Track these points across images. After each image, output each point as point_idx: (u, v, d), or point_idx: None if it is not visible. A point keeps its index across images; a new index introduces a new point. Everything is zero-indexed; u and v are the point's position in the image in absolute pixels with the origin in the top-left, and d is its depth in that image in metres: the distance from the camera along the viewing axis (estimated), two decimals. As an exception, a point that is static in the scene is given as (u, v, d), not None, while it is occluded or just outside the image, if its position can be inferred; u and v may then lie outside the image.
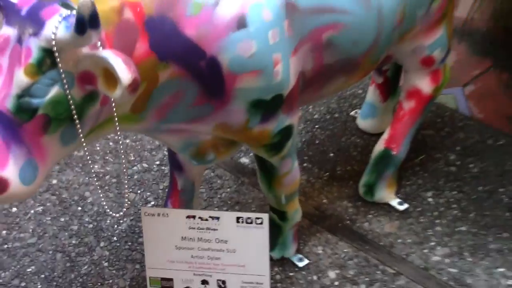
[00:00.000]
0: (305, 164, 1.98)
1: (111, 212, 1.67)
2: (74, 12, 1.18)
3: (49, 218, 1.89)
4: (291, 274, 1.72)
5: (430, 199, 1.87)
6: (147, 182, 1.96)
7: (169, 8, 1.36)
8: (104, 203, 1.82)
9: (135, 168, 2.01)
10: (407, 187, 1.90)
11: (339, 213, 1.85)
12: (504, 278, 1.67)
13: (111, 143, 2.06)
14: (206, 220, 1.60)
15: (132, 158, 2.04)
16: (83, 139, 1.33)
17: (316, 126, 2.08)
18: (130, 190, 1.94)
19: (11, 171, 1.27)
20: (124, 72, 1.21)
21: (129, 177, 1.98)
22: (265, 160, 1.60)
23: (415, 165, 1.95)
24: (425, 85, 1.79)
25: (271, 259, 1.71)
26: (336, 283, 1.69)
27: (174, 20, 1.35)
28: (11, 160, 1.26)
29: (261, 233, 1.58)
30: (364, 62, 1.59)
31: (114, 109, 1.34)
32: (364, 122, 2.06)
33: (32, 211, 1.91)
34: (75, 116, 1.29)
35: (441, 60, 1.77)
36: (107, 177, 1.99)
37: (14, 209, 1.92)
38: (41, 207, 1.92)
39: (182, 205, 1.73)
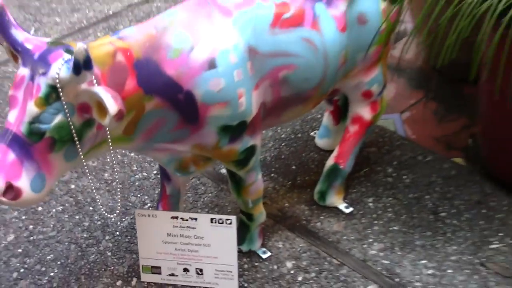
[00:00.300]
0: (272, 175, 1.96)
1: (115, 212, 1.68)
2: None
3: (67, 216, 1.88)
4: (256, 264, 1.71)
5: (370, 204, 1.85)
6: (146, 188, 1.95)
7: (153, 53, 1.36)
8: (111, 204, 1.85)
9: (136, 176, 2.00)
10: (352, 194, 1.88)
11: (297, 215, 1.83)
12: (425, 268, 1.66)
13: (119, 156, 2.05)
14: (187, 220, 1.60)
15: (135, 168, 2.02)
16: (82, 157, 1.33)
17: (283, 144, 2.06)
18: (132, 194, 1.93)
19: (24, 182, 1.27)
20: (112, 105, 1.21)
21: (131, 183, 1.97)
22: (235, 172, 1.59)
23: (360, 176, 1.93)
24: (366, 113, 1.78)
25: (241, 251, 1.72)
26: (292, 271, 1.68)
27: (157, 62, 1.35)
28: (24, 173, 1.27)
29: (230, 231, 1.58)
30: (314, 94, 1.59)
31: (108, 132, 1.34)
32: (320, 141, 2.04)
33: (54, 210, 1.90)
34: (76, 138, 1.29)
35: (378, 93, 1.76)
36: (114, 183, 1.97)
37: (40, 208, 1.91)
38: (61, 207, 1.91)
39: (170, 208, 1.72)
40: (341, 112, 1.94)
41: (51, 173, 1.31)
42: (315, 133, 2.08)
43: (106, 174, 2.00)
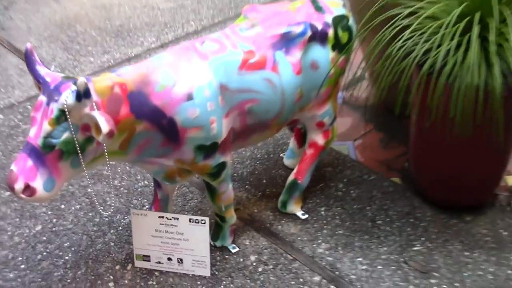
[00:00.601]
0: (246, 186, 1.98)
1: (121, 211, 1.69)
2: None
3: (82, 213, 1.91)
4: (226, 256, 1.73)
5: (322, 212, 1.86)
6: (146, 193, 1.97)
7: (144, 87, 1.40)
8: (118, 205, 1.88)
9: (139, 184, 2.02)
10: (309, 204, 1.89)
11: (263, 219, 1.85)
12: (360, 265, 1.68)
13: (127, 167, 2.08)
14: (170, 219, 1.62)
15: (139, 177, 2.04)
16: (84, 166, 1.37)
17: (257, 162, 2.08)
18: (135, 198, 1.95)
19: (38, 183, 1.32)
20: (104, 125, 1.26)
21: (135, 189, 1.99)
22: (209, 183, 1.62)
23: (316, 190, 1.94)
24: (319, 139, 1.79)
25: (215, 246, 1.74)
26: (254, 263, 1.70)
27: (147, 94, 1.39)
28: (38, 176, 1.32)
29: (204, 229, 1.61)
30: (274, 123, 1.61)
31: (105, 147, 1.38)
32: (287, 161, 2.05)
33: (73, 208, 1.93)
34: (79, 151, 1.32)
35: (330, 124, 1.78)
36: (121, 189, 2.00)
37: (62, 206, 1.94)
38: (79, 206, 1.94)
39: (160, 209, 1.73)
40: (303, 138, 1.96)
41: (60, 177, 1.35)
42: (283, 154, 2.09)
43: (116, 181, 2.02)
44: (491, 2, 1.43)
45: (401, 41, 1.48)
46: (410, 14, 1.57)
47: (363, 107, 2.27)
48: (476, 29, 1.45)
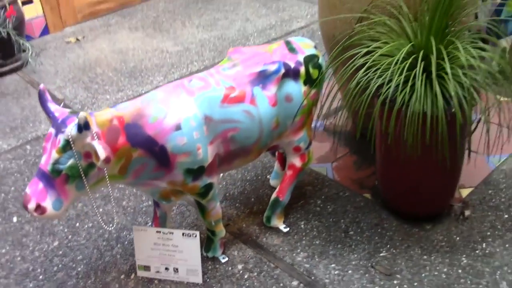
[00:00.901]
0: (237, 204, 2.02)
1: (127, 228, 1.74)
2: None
3: (94, 230, 1.97)
4: (217, 266, 1.76)
5: (302, 226, 1.89)
6: (149, 212, 2.02)
7: (138, 119, 1.46)
8: (124, 222, 1.94)
9: (144, 204, 2.07)
10: (290, 218, 1.93)
11: (250, 233, 1.89)
12: (334, 270, 1.71)
13: (134, 190, 2.14)
14: (166, 234, 1.67)
15: (144, 199, 2.09)
16: (88, 189, 1.43)
17: (247, 183, 2.13)
18: (139, 216, 2.01)
19: (48, 203, 1.38)
20: (102, 153, 1.32)
21: (140, 209, 2.04)
22: (200, 202, 1.67)
23: (297, 206, 1.98)
24: (297, 162, 1.84)
25: (207, 257, 1.77)
26: (241, 271, 1.74)
27: (141, 125, 1.45)
28: (48, 197, 1.38)
29: (195, 242, 1.66)
30: (254, 149, 1.67)
31: (106, 172, 1.44)
32: (272, 181, 2.10)
33: (86, 226, 1.99)
34: (83, 175, 1.39)
35: (306, 148, 1.82)
36: (128, 208, 2.05)
37: (77, 224, 2.00)
38: (91, 224, 2.00)
39: (160, 226, 1.78)
40: (284, 161, 2.00)
41: (67, 198, 1.41)
42: (270, 176, 2.14)
43: (124, 202, 2.08)
44: (431, 42, 1.50)
45: (357, 77, 1.54)
46: (369, 53, 1.64)
47: (340, 133, 2.30)
48: (422, 65, 1.52)
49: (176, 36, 3.56)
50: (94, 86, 3.03)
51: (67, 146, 1.37)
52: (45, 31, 3.79)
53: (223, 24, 3.68)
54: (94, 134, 1.38)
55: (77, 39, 3.66)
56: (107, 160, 1.34)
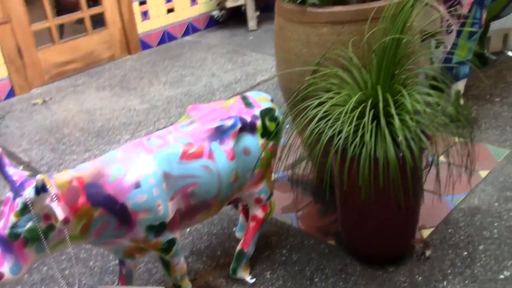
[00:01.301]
0: (203, 258, 2.04)
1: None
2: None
3: (99, 271, 1.96)
4: None
5: (268, 276, 1.92)
6: (116, 271, 2.01)
7: (98, 179, 1.49)
8: (91, 283, 1.92)
9: (111, 263, 2.05)
10: (256, 269, 1.95)
11: (218, 285, 1.90)
12: (300, 320, 1.73)
13: (101, 250, 2.14)
14: (131, 291, 1.68)
15: (111, 258, 2.08)
16: (49, 251, 1.44)
17: (213, 237, 2.15)
18: (106, 276, 1.99)
19: (5, 268, 1.38)
20: (60, 214, 1.35)
21: (107, 268, 2.04)
22: (163, 257, 1.69)
23: (263, 256, 2.01)
24: (259, 213, 1.88)
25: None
26: None
27: (101, 185, 1.49)
28: (5, 262, 1.39)
29: (160, 298, 1.67)
30: (215, 203, 1.71)
31: (67, 233, 1.46)
32: (238, 234, 2.13)
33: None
34: (43, 237, 1.40)
35: (267, 199, 1.87)
36: (95, 268, 2.04)
37: (48, 281, 2.00)
38: (56, 287, 1.99)
39: (126, 284, 1.78)
40: (248, 213, 2.04)
41: (26, 262, 1.42)
42: (235, 229, 2.16)
43: (91, 262, 2.09)
44: (378, 91, 1.59)
45: (310, 128, 1.62)
46: (322, 103, 1.72)
47: (304, 182, 2.35)
48: (371, 113, 1.60)
49: (143, 94, 3.64)
50: (61, 147, 3.06)
51: (25, 209, 1.39)
52: (11, 93, 3.83)
53: (189, 80, 3.78)
54: (54, 196, 1.40)
55: (44, 101, 3.70)
56: (65, 221, 1.37)
